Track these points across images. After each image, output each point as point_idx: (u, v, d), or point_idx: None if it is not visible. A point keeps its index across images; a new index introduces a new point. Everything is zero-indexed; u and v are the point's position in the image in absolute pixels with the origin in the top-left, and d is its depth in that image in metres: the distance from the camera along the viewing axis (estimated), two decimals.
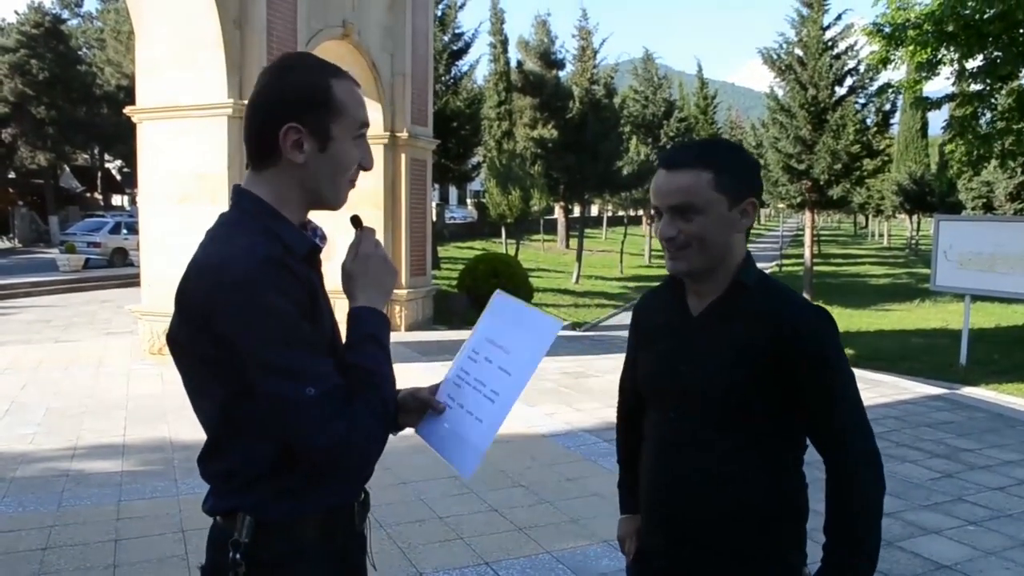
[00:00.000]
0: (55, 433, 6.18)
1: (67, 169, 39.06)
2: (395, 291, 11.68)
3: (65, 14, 37.35)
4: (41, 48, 32.47)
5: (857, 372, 1.63)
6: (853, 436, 1.56)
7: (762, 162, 24.20)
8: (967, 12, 11.07)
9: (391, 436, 1.40)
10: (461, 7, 26.42)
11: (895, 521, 4.53)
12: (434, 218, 19.33)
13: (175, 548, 4.04)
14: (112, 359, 9.37)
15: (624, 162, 29.90)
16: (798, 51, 24.76)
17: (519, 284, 14.11)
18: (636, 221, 53.87)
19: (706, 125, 46.42)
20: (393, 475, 5.11)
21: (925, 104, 14.22)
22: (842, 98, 24.42)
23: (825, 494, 1.57)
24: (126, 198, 44.66)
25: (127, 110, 9.72)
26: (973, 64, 12.59)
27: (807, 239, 26.19)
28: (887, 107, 25.23)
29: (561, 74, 29.15)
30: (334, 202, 1.46)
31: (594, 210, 51.62)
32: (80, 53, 36.96)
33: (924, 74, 12.62)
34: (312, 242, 1.43)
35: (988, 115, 13.53)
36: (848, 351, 1.63)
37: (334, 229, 1.65)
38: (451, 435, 1.55)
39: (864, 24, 12.93)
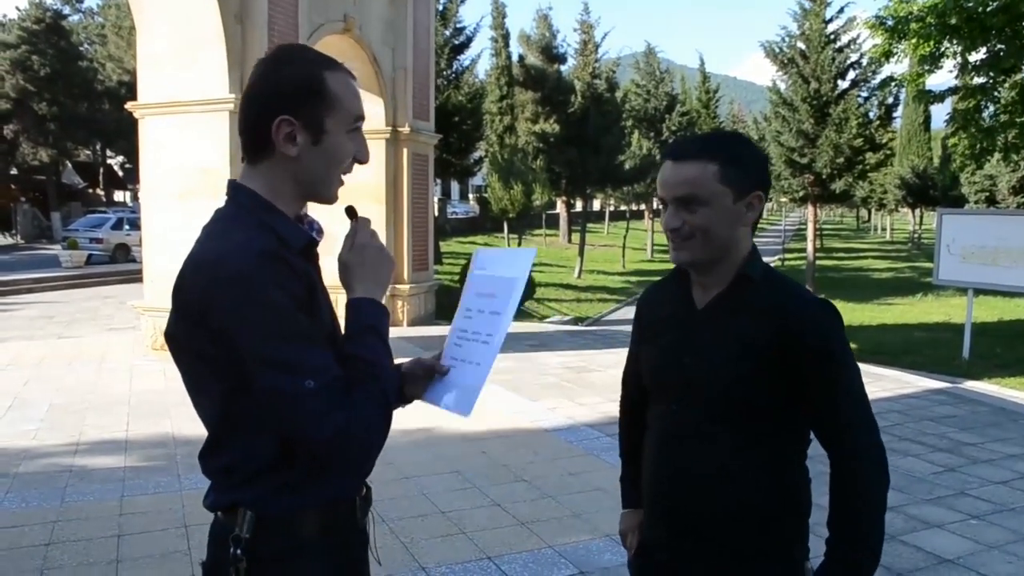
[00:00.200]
0: (58, 429, 6.19)
1: (69, 165, 39.08)
2: (397, 286, 11.88)
3: (66, 10, 37.30)
4: (42, 44, 32.42)
5: (859, 366, 1.63)
6: (858, 431, 1.56)
7: None
8: (970, 5, 11.02)
9: (393, 427, 1.39)
10: (462, 1, 26.40)
11: (898, 515, 4.52)
12: (436, 213, 19.31)
13: (178, 544, 4.04)
14: (115, 355, 9.38)
15: (626, 156, 29.85)
16: (800, 45, 24.72)
17: None
18: (638, 216, 53.85)
19: (708, 119, 46.30)
20: (395, 470, 5.11)
21: (928, 97, 14.17)
22: (845, 92, 24.38)
23: (829, 488, 1.57)
24: (128, 194, 44.68)
25: (129, 106, 9.72)
26: (976, 57, 12.55)
27: (809, 233, 26.14)
28: (890, 101, 25.20)
29: (563, 68, 29.12)
30: (328, 195, 1.45)
31: (596, 205, 51.57)
32: (81, 49, 36.90)
33: (927, 67, 12.57)
34: (308, 235, 1.42)
35: (991, 108, 13.47)
36: (851, 345, 1.63)
37: (333, 223, 1.64)
38: (452, 386, 1.57)
39: (866, 17, 12.89)
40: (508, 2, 31.55)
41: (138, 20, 9.36)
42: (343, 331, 1.43)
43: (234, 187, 1.43)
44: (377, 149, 11.75)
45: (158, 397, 7.13)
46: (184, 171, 8.93)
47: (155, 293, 9.31)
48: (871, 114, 24.91)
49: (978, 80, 12.99)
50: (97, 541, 4.07)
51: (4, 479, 5.01)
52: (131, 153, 32.13)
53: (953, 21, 11.25)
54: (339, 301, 1.38)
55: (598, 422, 6.47)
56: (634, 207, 45.41)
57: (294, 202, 1.43)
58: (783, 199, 31.52)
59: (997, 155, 14.09)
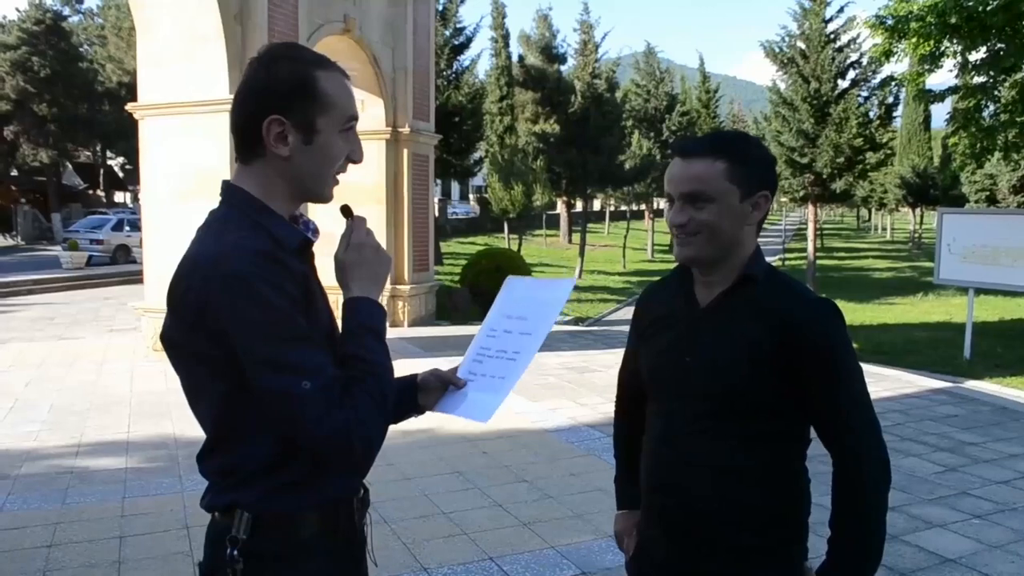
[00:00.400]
0: (59, 430, 6.19)
1: (69, 166, 39.08)
2: (398, 286, 11.87)
3: (66, 11, 37.36)
4: (42, 45, 32.45)
5: (861, 366, 1.63)
6: (860, 431, 1.56)
7: None
8: (970, 4, 11.00)
9: (394, 429, 1.39)
10: (462, 2, 26.38)
11: (899, 515, 4.52)
12: (436, 213, 19.31)
13: (180, 545, 4.04)
14: (116, 356, 9.39)
15: (626, 156, 29.83)
16: (800, 44, 24.72)
17: None
18: (639, 216, 53.83)
19: (708, 119, 46.30)
20: (396, 471, 5.11)
21: (928, 97, 14.16)
22: (845, 91, 24.37)
23: (831, 488, 1.57)
24: (128, 195, 44.69)
25: (129, 106, 9.72)
26: (976, 56, 12.54)
27: (810, 233, 26.14)
28: (890, 100, 25.18)
29: (563, 68, 29.13)
30: (322, 195, 1.43)
31: (596, 205, 51.55)
32: (81, 50, 36.91)
33: (927, 67, 12.57)
34: (303, 235, 1.41)
35: (991, 108, 13.46)
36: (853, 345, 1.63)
37: (332, 223, 1.63)
38: (468, 397, 1.57)
39: (866, 17, 12.87)
40: (508, 2, 31.52)
41: (138, 20, 9.36)
42: (341, 330, 1.42)
43: (227, 188, 1.41)
44: (377, 150, 11.75)
45: (159, 398, 7.13)
46: (184, 172, 8.92)
47: (156, 294, 9.30)
48: (871, 114, 24.88)
49: (978, 79, 12.98)
50: (99, 543, 4.07)
51: (6, 481, 5.02)
52: (131, 154, 32.13)
53: (953, 20, 11.24)
54: (338, 302, 1.38)
55: (599, 422, 6.46)
56: (634, 207, 45.38)
57: (288, 202, 1.42)
58: (783, 199, 31.48)
59: (997, 154, 14.10)
